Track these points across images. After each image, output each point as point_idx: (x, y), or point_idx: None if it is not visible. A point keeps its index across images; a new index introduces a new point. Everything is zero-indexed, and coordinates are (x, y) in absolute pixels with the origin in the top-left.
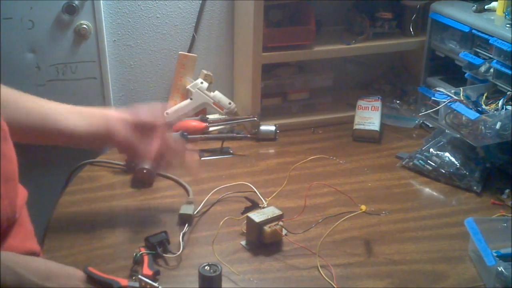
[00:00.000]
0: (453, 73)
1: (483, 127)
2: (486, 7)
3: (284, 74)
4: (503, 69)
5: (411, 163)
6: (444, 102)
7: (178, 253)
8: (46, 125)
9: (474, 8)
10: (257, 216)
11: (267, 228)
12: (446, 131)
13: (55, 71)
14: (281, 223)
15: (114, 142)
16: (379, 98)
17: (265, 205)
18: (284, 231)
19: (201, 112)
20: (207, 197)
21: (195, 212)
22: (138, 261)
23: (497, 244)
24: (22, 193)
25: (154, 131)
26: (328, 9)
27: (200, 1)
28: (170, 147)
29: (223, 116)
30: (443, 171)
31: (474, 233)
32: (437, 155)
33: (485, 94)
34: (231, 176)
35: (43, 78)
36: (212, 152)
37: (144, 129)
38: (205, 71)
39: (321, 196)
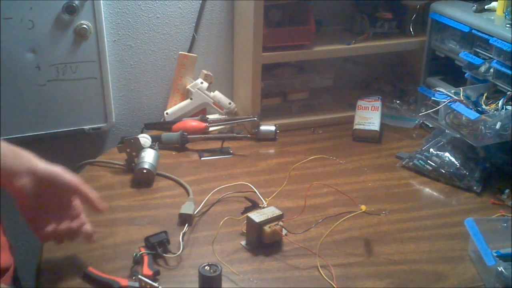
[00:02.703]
0: (453, 73)
1: (483, 127)
2: (486, 7)
3: (284, 74)
4: (503, 69)
5: (411, 163)
6: (444, 102)
7: (178, 253)
8: None
9: (474, 8)
10: (257, 216)
11: (267, 228)
12: (446, 131)
13: (55, 71)
14: (281, 223)
15: (12, 189)
16: (379, 98)
17: (265, 205)
18: (284, 231)
19: (201, 112)
20: (207, 197)
21: (195, 212)
22: (138, 261)
23: (497, 244)
24: None
25: (64, 199)
26: (328, 9)
27: (200, 1)
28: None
29: (223, 116)
30: (443, 171)
31: (474, 233)
32: (437, 155)
33: (485, 94)
34: (231, 176)
35: (43, 78)
36: (212, 152)
37: (54, 192)
38: (205, 71)
39: (321, 196)
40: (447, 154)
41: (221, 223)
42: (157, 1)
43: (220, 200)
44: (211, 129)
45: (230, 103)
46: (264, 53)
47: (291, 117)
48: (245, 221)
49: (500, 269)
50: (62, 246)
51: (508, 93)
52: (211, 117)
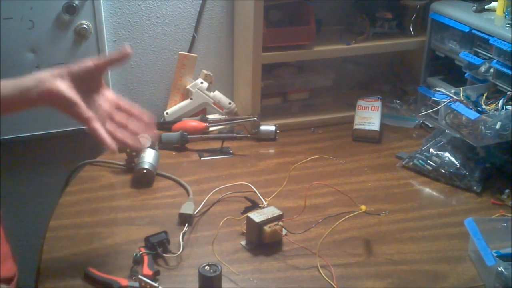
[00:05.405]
0: (453, 73)
1: (483, 127)
2: (486, 7)
3: (284, 74)
4: (503, 69)
5: (411, 163)
6: (444, 102)
7: (178, 253)
8: None
9: (474, 8)
10: (257, 216)
11: (267, 228)
12: (446, 131)
13: None
14: (281, 223)
15: (50, 98)
16: (379, 98)
17: (265, 205)
18: (284, 231)
19: (201, 112)
20: (207, 197)
21: (195, 212)
22: (138, 261)
23: (497, 244)
24: None
25: (97, 84)
26: (328, 9)
27: (200, 1)
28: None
29: (223, 116)
30: (443, 171)
31: (474, 233)
32: (437, 155)
33: (485, 94)
34: (231, 176)
35: None
36: (212, 152)
37: (86, 82)
38: (205, 71)
39: (321, 196)
40: (447, 154)
41: (221, 223)
42: (157, 1)
43: (220, 200)
44: (211, 129)
45: (230, 103)
46: (264, 53)
47: (291, 117)
48: (245, 221)
49: (500, 269)
50: (62, 246)
51: (508, 93)
52: (211, 117)
